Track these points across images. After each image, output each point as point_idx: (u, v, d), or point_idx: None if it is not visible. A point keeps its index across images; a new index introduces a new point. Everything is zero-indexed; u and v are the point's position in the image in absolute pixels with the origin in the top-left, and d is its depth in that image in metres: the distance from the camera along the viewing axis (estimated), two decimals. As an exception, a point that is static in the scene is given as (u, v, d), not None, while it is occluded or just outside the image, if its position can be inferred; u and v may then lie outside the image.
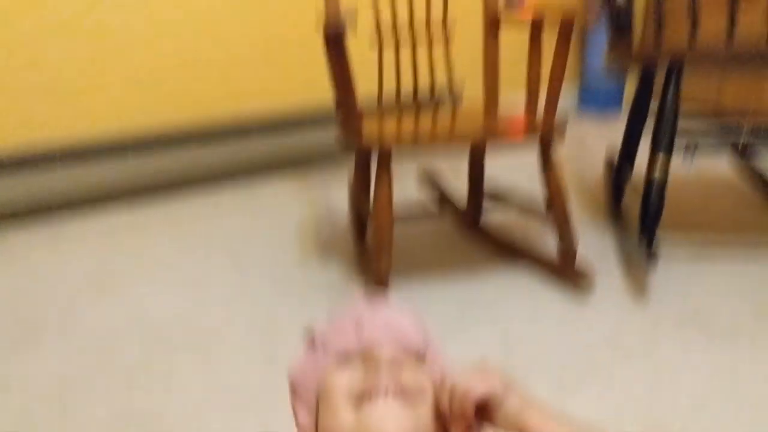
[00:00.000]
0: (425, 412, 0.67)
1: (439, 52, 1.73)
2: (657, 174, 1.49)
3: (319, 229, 1.97)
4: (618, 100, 3.32)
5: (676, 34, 1.68)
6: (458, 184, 1.99)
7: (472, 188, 1.88)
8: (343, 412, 0.66)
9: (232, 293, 1.58)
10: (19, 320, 1.47)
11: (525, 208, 1.75)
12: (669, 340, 1.36)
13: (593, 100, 3.34)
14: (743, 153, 2.20)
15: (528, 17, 1.59)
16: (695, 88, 3.26)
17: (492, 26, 1.73)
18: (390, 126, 1.55)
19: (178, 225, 2.01)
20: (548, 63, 1.51)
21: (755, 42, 1.65)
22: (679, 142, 1.56)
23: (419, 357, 0.73)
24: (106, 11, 2.05)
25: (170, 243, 1.87)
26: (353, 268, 1.69)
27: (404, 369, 0.69)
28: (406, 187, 2.24)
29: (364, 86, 1.53)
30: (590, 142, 2.82)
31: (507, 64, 1.77)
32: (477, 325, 1.43)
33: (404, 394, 0.66)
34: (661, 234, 1.82)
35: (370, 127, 1.49)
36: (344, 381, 0.68)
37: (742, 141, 1.50)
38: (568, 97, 3.40)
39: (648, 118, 1.82)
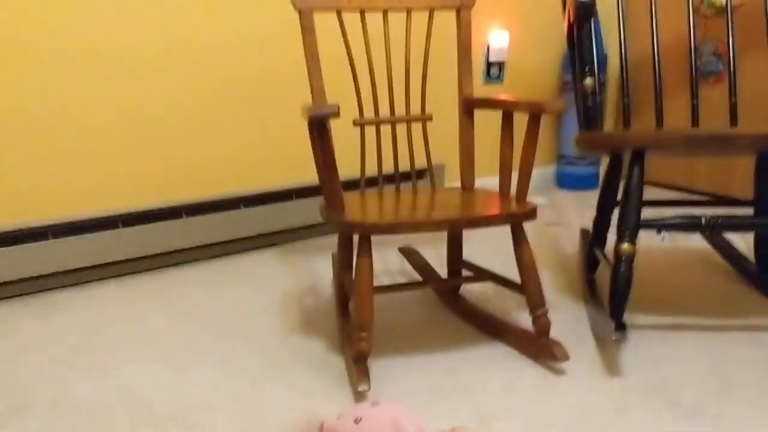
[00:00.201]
0: None
1: (418, 134, 1.84)
2: (624, 253, 1.58)
3: (304, 301, 2.03)
4: (593, 181, 3.47)
5: (642, 118, 1.80)
6: (438, 257, 2.07)
7: (450, 261, 1.96)
8: None
9: (218, 366, 1.63)
10: (7, 392, 1.51)
11: (502, 282, 1.82)
12: (638, 415, 1.41)
13: (569, 181, 3.49)
14: (713, 228, 2.31)
15: (500, 104, 1.72)
16: (669, 164, 3.42)
17: (467, 106, 1.84)
18: (371, 206, 1.63)
19: (166, 297, 2.06)
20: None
21: (717, 128, 1.77)
22: (653, 216, 1.65)
23: None
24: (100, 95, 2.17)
25: (157, 315, 1.92)
26: (336, 341, 1.74)
27: None
28: (389, 257, 2.32)
29: (347, 169, 1.63)
30: (569, 218, 2.93)
31: (489, 146, 1.88)
32: (452, 395, 1.48)
33: None
34: (634, 308, 1.90)
35: (352, 206, 1.57)
36: None
37: (710, 218, 1.59)
38: (545, 178, 3.55)
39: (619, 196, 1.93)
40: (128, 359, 1.66)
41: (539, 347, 1.64)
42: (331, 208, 1.56)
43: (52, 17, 2.01)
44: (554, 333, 1.66)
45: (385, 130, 1.80)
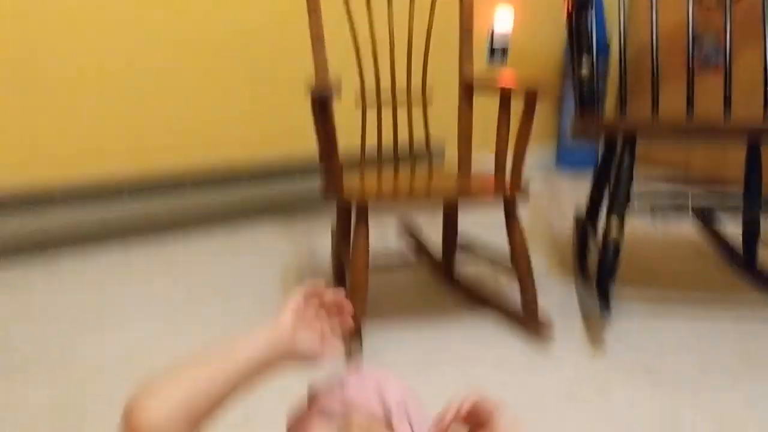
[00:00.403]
0: None
1: (419, 113, 1.88)
2: (612, 234, 1.63)
3: (302, 273, 2.08)
4: (592, 160, 3.50)
5: (643, 103, 1.83)
6: (435, 235, 2.12)
7: (446, 240, 2.01)
8: None
9: (218, 330, 1.68)
10: (11, 349, 1.57)
11: (494, 261, 1.87)
12: (620, 390, 1.47)
13: (569, 160, 3.52)
14: (705, 216, 2.35)
15: (500, 86, 1.75)
16: (665, 153, 3.45)
17: (466, 91, 1.88)
18: (369, 182, 1.68)
19: (170, 265, 2.12)
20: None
21: (713, 117, 1.80)
22: (646, 204, 1.69)
23: (390, 424, 0.80)
24: (115, 60, 2.20)
25: (162, 282, 1.98)
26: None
27: None
28: (386, 235, 2.37)
29: (348, 140, 1.67)
30: (564, 199, 2.97)
31: (486, 126, 1.92)
32: (442, 368, 1.54)
33: None
34: (622, 289, 1.95)
35: (350, 182, 1.62)
36: None
37: (703, 205, 1.64)
38: (545, 157, 3.58)
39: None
40: (131, 321, 1.72)
41: (527, 325, 1.69)
42: (330, 181, 1.61)
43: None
44: (544, 305, 1.71)
45: (386, 112, 1.84)
